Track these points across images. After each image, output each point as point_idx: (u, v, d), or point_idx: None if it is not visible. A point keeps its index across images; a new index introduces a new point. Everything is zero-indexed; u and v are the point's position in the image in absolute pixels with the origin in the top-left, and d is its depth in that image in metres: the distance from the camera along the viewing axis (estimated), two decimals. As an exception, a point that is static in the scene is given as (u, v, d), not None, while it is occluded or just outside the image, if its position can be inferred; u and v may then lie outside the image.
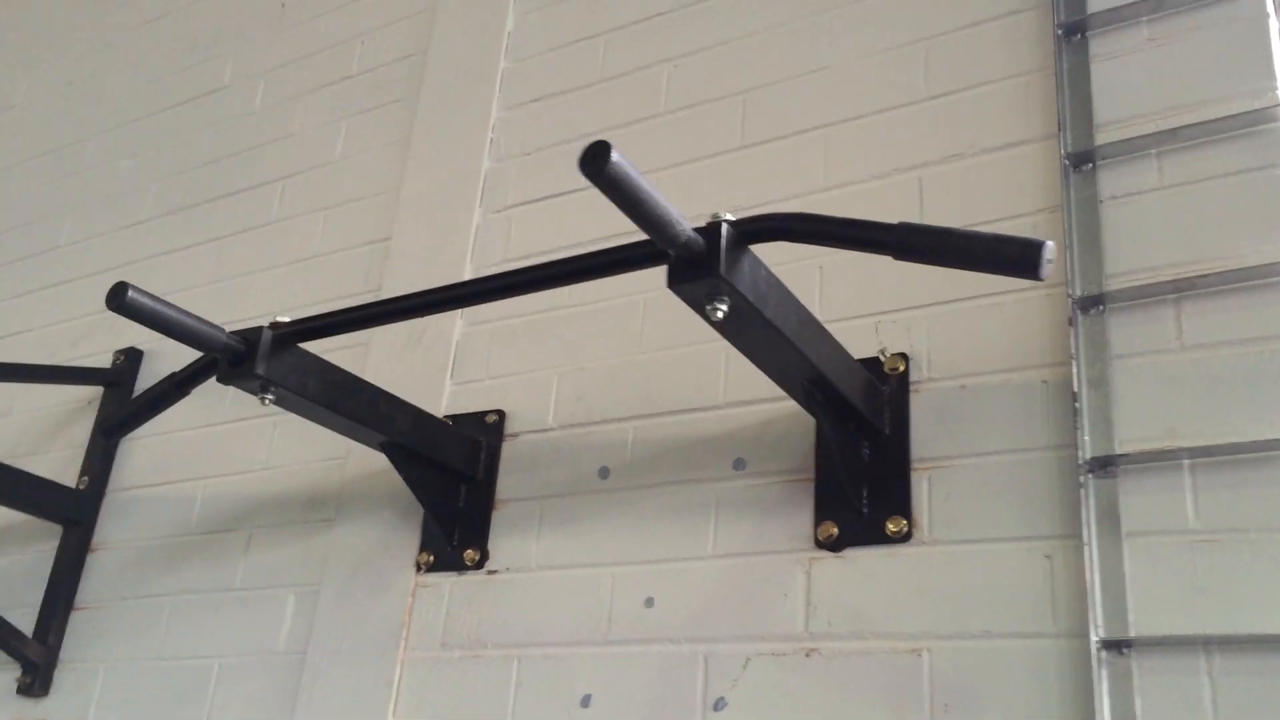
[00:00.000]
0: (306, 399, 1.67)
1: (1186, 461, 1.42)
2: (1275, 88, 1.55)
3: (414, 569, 1.98)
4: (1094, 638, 1.37)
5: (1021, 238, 1.14)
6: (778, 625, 1.61)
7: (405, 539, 2.02)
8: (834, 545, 1.61)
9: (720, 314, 1.30)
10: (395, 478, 2.07)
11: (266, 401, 1.65)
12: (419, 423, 1.89)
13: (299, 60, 2.87)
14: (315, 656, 2.00)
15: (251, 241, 2.65)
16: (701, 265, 1.25)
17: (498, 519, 1.95)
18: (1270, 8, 1.60)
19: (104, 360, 2.66)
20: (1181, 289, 1.50)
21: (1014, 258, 1.12)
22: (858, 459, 1.61)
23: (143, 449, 2.52)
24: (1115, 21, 1.70)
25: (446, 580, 1.95)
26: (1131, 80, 1.66)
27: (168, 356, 2.62)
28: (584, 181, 2.13)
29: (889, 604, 1.55)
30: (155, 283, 2.75)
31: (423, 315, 1.75)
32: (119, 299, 1.43)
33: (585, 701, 1.71)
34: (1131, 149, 1.61)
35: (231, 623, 2.16)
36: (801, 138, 1.95)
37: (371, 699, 1.90)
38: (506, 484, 1.97)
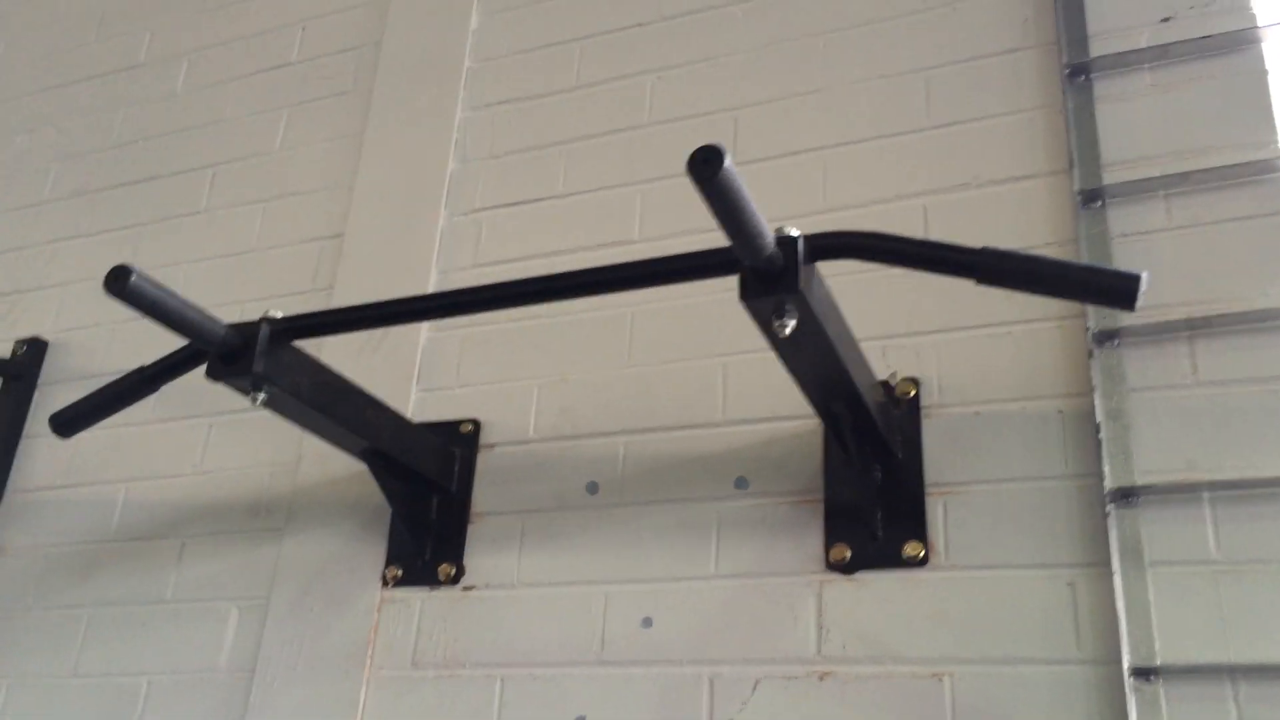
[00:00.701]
0: (300, 400, 1.56)
1: (1206, 494, 1.47)
2: (1276, 140, 1.63)
3: (379, 583, 1.87)
4: (1126, 665, 1.39)
5: (1114, 269, 1.15)
6: (788, 648, 1.59)
7: (368, 551, 1.91)
8: (846, 568, 1.60)
9: (787, 330, 1.27)
10: (352, 487, 1.97)
11: (257, 401, 1.53)
12: (399, 430, 1.79)
13: (228, 43, 2.71)
14: (266, 675, 1.86)
15: (176, 231, 2.48)
16: (778, 280, 1.22)
17: (474, 533, 1.86)
18: (1269, 63, 1.68)
19: (2, 350, 2.45)
20: (1195, 327, 1.55)
21: (1109, 287, 1.13)
22: (872, 482, 1.60)
23: (48, 447, 2.32)
24: (1119, 66, 1.76)
25: (417, 595, 1.85)
26: (1137, 123, 1.72)
27: (75, 349, 2.44)
28: (559, 188, 2.10)
29: (907, 628, 1.54)
30: (55, 270, 2.56)
31: (451, 315, 1.67)
32: (121, 283, 1.30)
33: (579, 724, 1.65)
34: (1140, 189, 1.66)
35: (163, 638, 2.00)
36: (798, 159, 1.94)
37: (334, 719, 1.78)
38: (483, 497, 1.89)
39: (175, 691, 1.94)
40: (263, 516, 2.04)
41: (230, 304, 2.30)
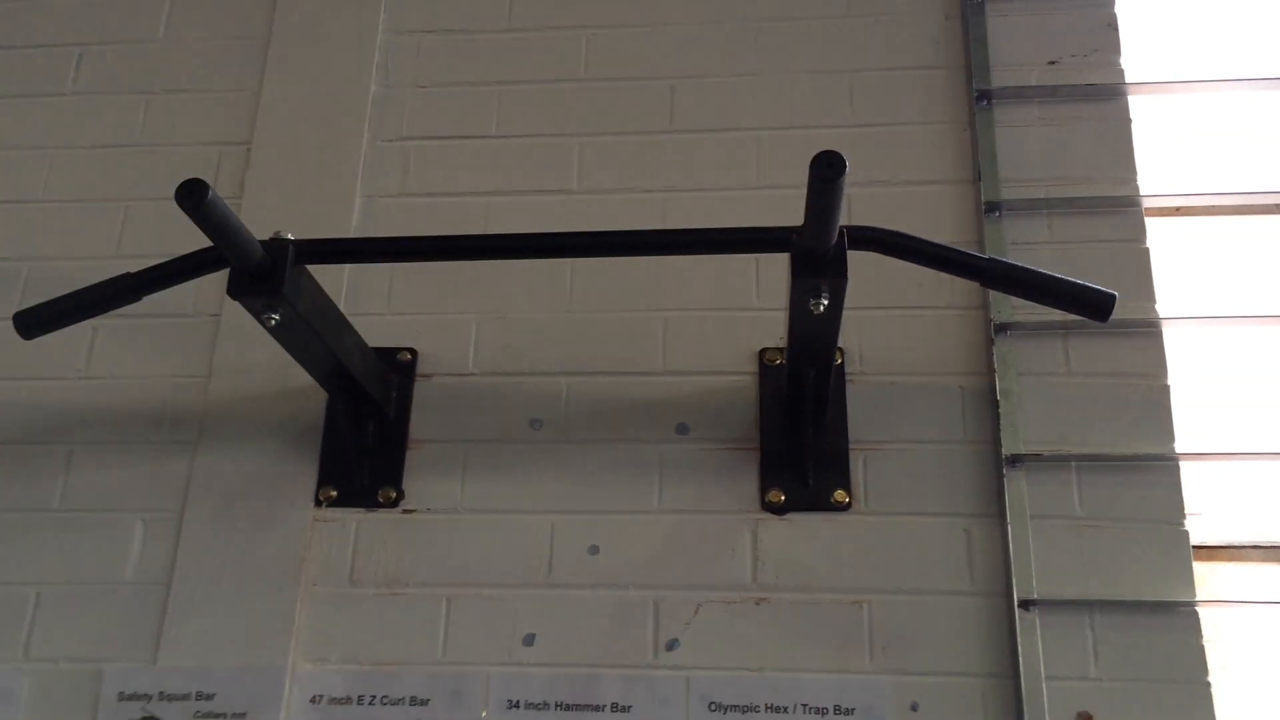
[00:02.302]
0: (307, 324, 1.57)
1: (1074, 464, 1.82)
2: (1135, 178, 2.00)
3: (312, 503, 1.90)
4: (1015, 598, 1.72)
5: (1096, 288, 1.44)
6: (727, 576, 1.81)
7: (296, 471, 1.93)
8: (779, 509, 1.84)
9: (822, 307, 1.46)
10: (274, 405, 1.99)
11: (271, 323, 1.53)
12: (364, 355, 1.82)
13: (86, -93, 2.49)
14: (185, 588, 1.85)
15: (34, 110, 2.30)
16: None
17: (412, 459, 1.93)
18: (1131, 114, 2.05)
19: None
20: (1069, 328, 1.90)
21: (1093, 301, 1.42)
22: (806, 437, 1.84)
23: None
24: (1015, 98, 2.07)
25: (353, 516, 1.90)
26: (1027, 149, 2.04)
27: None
28: (492, 129, 2.18)
29: (832, 562, 1.80)
30: None
31: (495, 258, 1.74)
32: (196, 199, 1.29)
33: (529, 640, 1.79)
34: (1029, 206, 1.99)
35: (52, 547, 1.92)
36: (733, 134, 2.12)
37: (266, 633, 1.81)
38: (421, 424, 1.95)
39: (70, 601, 1.88)
40: (169, 428, 1.99)
41: (112, 200, 2.20)
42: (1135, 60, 2.11)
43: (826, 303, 1.46)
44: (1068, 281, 1.43)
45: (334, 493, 1.90)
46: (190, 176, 2.14)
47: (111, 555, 1.91)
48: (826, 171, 1.25)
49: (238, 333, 2.01)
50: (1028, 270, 1.45)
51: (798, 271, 1.42)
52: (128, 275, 1.55)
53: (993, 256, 1.48)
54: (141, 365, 2.04)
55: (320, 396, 1.95)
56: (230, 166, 2.20)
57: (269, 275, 1.47)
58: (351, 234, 2.09)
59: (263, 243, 1.49)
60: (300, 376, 1.91)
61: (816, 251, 1.40)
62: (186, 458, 1.96)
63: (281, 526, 1.89)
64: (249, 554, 1.87)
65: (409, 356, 1.99)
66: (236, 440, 1.95)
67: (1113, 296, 1.42)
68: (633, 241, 1.62)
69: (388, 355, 1.98)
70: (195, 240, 2.07)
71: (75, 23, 2.37)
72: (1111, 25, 2.13)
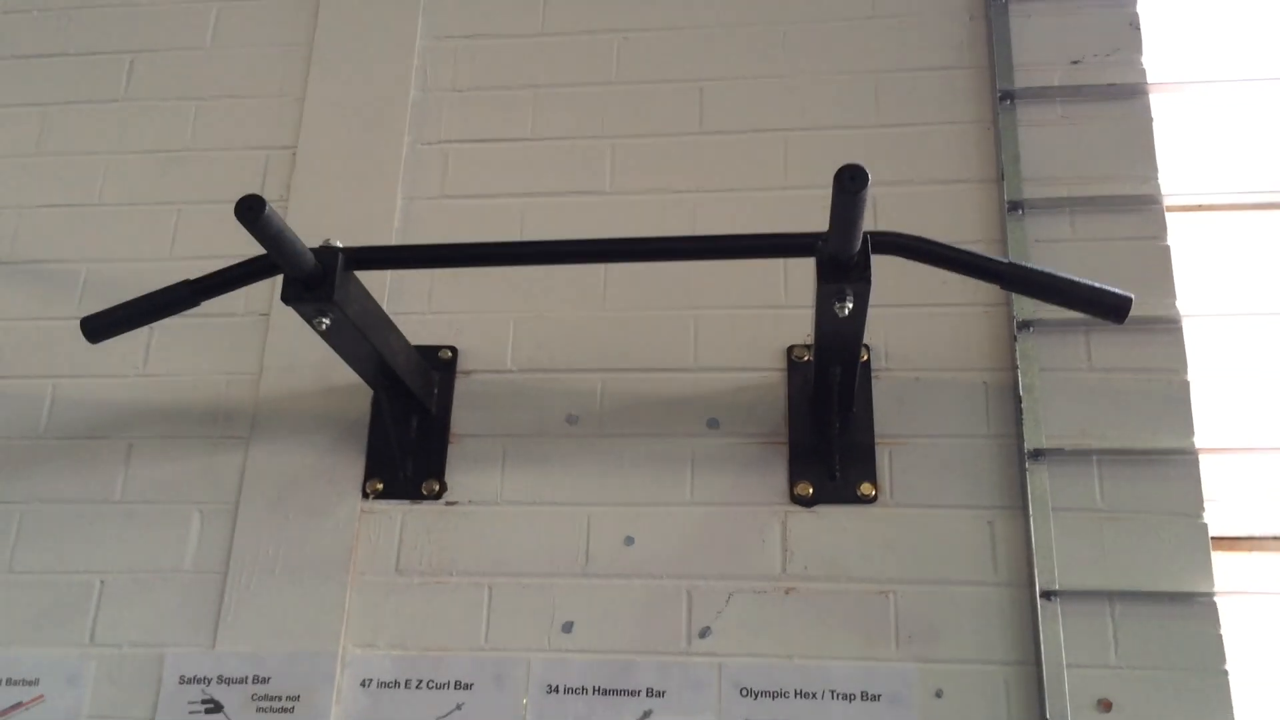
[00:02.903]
0: (355, 327, 1.65)
1: (1095, 457, 1.87)
2: (1156, 176, 2.04)
3: (359, 495, 1.99)
4: (1037, 588, 1.78)
5: (1113, 290, 1.49)
6: (758, 567, 1.88)
7: (344, 464, 2.01)
8: (808, 502, 1.90)
9: (846, 310, 1.53)
10: (320, 401, 2.07)
11: (323, 327, 1.61)
12: (409, 354, 1.90)
13: (135, -82, 2.58)
14: (241, 575, 1.95)
15: (89, 117, 2.39)
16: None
17: (454, 453, 2.01)
18: (1153, 113, 2.09)
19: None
20: (1090, 324, 1.94)
21: (1110, 304, 1.47)
22: (833, 431, 1.90)
23: (-52, 335, 2.22)
24: (1038, 97, 2.11)
25: (398, 508, 1.98)
26: (1050, 147, 2.08)
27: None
28: (528, 131, 2.24)
29: (859, 553, 1.87)
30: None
31: (534, 264, 1.83)
32: (253, 214, 1.37)
33: (567, 627, 1.87)
34: (1052, 205, 2.03)
35: (114, 537, 2.02)
36: (761, 136, 2.18)
37: (318, 619, 1.90)
38: (461, 419, 2.04)
39: (135, 589, 1.98)
40: (223, 424, 2.08)
41: (166, 204, 2.29)
42: (1157, 59, 2.14)
43: (851, 306, 1.52)
44: (1085, 285, 1.49)
45: (380, 485, 1.99)
46: (238, 180, 2.25)
47: (171, 545, 2.00)
48: (850, 184, 1.31)
49: (286, 332, 2.10)
50: (1046, 274, 1.51)
51: (823, 276, 1.48)
52: (187, 282, 1.64)
53: (1012, 261, 1.53)
54: (196, 363, 2.14)
55: (365, 393, 2.04)
56: (277, 170, 2.28)
57: (320, 282, 1.55)
58: (394, 235, 2.17)
59: (313, 250, 1.56)
60: (346, 374, 2.00)
61: (841, 258, 1.46)
62: (240, 452, 2.05)
63: (331, 518, 1.97)
64: (301, 544, 1.96)
65: (450, 354, 2.06)
66: (287, 435, 2.04)
67: (1129, 299, 1.48)
68: (665, 248, 1.69)
69: (429, 353, 2.06)
70: (245, 241, 2.15)
71: (126, 31, 2.46)
72: (1134, 24, 2.16)
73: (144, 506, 2.04)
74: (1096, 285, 1.48)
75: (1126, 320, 1.84)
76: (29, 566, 2.02)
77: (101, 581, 1.99)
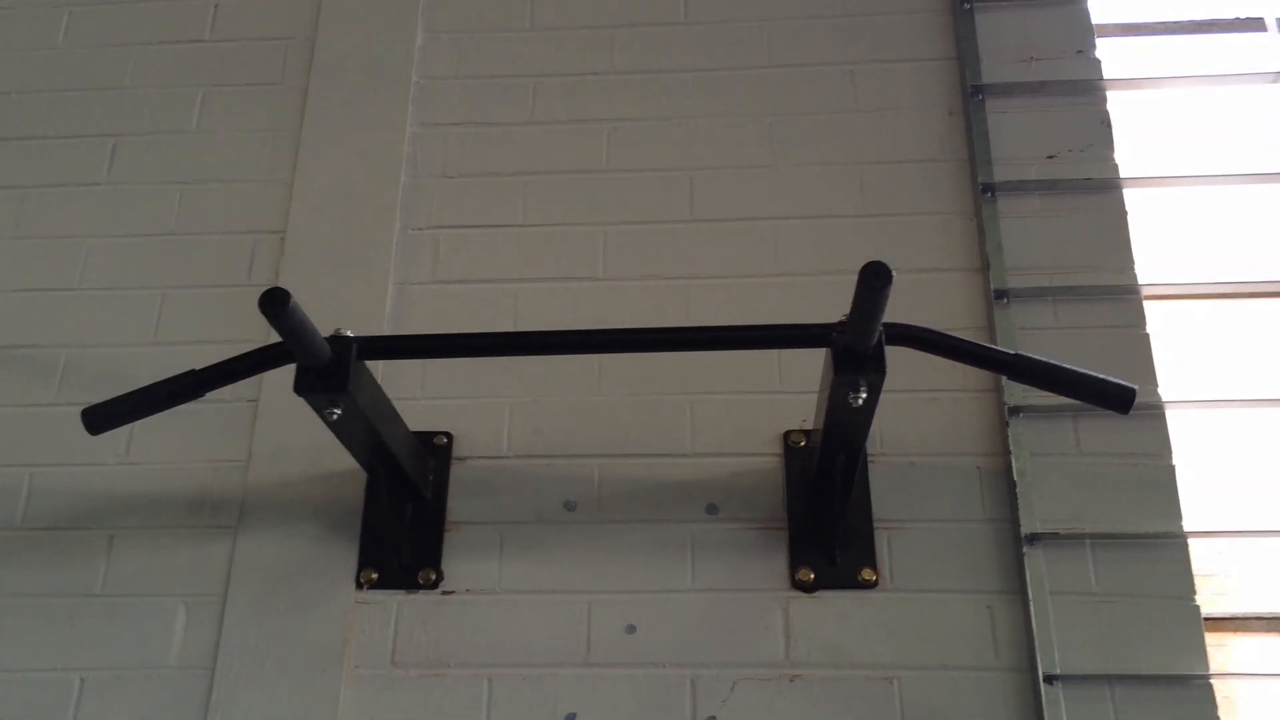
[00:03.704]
0: (364, 416, 1.64)
1: (1088, 541, 1.91)
2: (1132, 267, 2.12)
3: (353, 585, 1.95)
4: (1040, 673, 1.80)
5: (1116, 382, 1.54)
6: (761, 654, 1.87)
7: (336, 554, 1.98)
8: (809, 588, 1.91)
9: (860, 401, 1.55)
10: (311, 488, 2.04)
11: (334, 417, 1.60)
12: (407, 440, 1.89)
13: (117, 3, 2.58)
14: (230, 672, 1.89)
15: (70, 200, 2.36)
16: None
17: (450, 541, 1.99)
18: (1127, 206, 2.17)
19: None
20: (1078, 410, 1.99)
21: (1114, 394, 1.52)
22: (833, 517, 1.91)
23: (-80, 423, 2.15)
24: (1018, 190, 2.19)
25: (393, 599, 1.95)
26: (1031, 238, 2.15)
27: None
28: (519, 218, 2.26)
29: (862, 639, 1.87)
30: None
31: (576, 354, 1.87)
32: (278, 307, 1.36)
33: (570, 719, 1.84)
34: (1034, 294, 2.09)
35: (95, 632, 1.95)
36: (751, 224, 2.22)
37: (310, 716, 1.85)
38: (457, 507, 2.02)
39: (118, 688, 1.91)
40: (209, 513, 2.04)
41: (148, 289, 2.26)
42: (1128, 155, 2.24)
43: (865, 396, 1.54)
44: (1089, 376, 1.53)
45: (375, 575, 1.95)
46: (225, 265, 2.23)
47: (155, 640, 1.94)
48: (875, 280, 1.34)
49: (275, 418, 2.07)
50: (1051, 365, 1.55)
51: (839, 367, 1.51)
52: (192, 372, 1.61)
53: (1019, 353, 1.58)
54: (180, 450, 2.09)
55: (357, 479, 2.01)
56: (265, 254, 2.27)
57: (334, 373, 1.54)
58: (385, 320, 2.16)
59: (328, 339, 1.55)
60: (338, 460, 1.98)
61: (857, 349, 1.49)
62: (228, 541, 2.01)
63: (323, 609, 1.93)
64: (292, 637, 1.91)
65: (445, 440, 2.05)
66: (277, 524, 2.00)
67: (1133, 390, 1.52)
68: (678, 338, 1.71)
69: (424, 438, 2.04)
70: (231, 327, 2.16)
71: (108, 114, 2.45)
72: (1105, 122, 2.25)
73: (126, 600, 1.98)
74: (1100, 376, 1.53)
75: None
76: (4, 664, 1.94)
77: (82, 679, 1.92)
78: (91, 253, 2.30)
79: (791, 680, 1.85)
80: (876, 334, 1.45)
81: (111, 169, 2.39)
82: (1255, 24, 2.40)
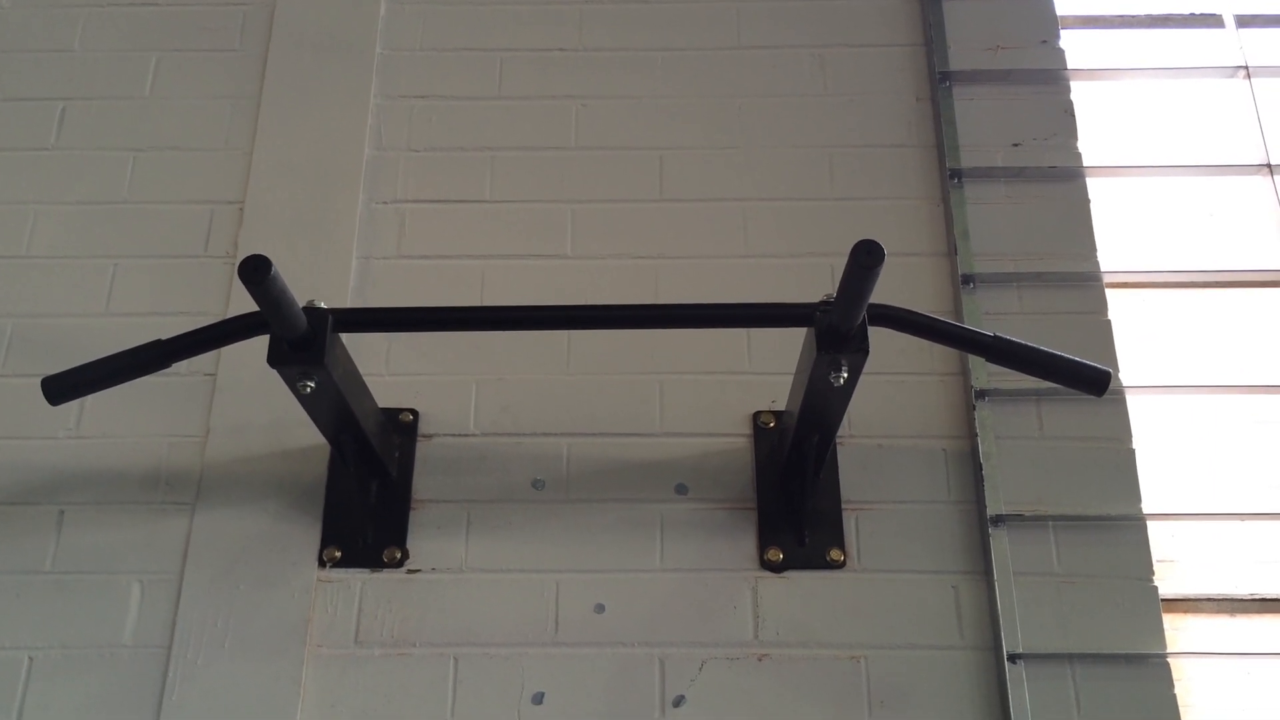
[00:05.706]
0: (337, 390, 1.60)
1: (1050, 523, 1.94)
2: (1095, 254, 2.15)
3: (316, 564, 1.91)
4: (1005, 652, 1.83)
5: (1092, 365, 1.56)
6: (730, 633, 1.87)
7: (298, 532, 1.94)
8: (778, 568, 1.91)
9: (841, 380, 1.55)
10: (272, 465, 2.00)
11: (306, 390, 1.56)
12: (376, 416, 1.85)
13: (64, -38, 2.49)
14: (188, 651, 1.84)
15: (21, 165, 2.28)
16: (842, 340, 1.51)
17: (416, 519, 1.96)
18: (1089, 194, 2.20)
19: None
20: (1040, 394, 2.02)
21: (1090, 377, 1.54)
22: (801, 497, 1.92)
23: None
24: (984, 177, 2.21)
25: (357, 577, 1.92)
26: (996, 224, 2.18)
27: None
28: (486, 193, 2.24)
29: (829, 619, 1.88)
30: None
31: (560, 329, 1.85)
32: (259, 275, 1.32)
33: (538, 699, 1.83)
34: (1000, 280, 2.12)
35: (45, 610, 1.89)
36: (721, 205, 2.22)
37: (272, 697, 1.81)
38: (423, 484, 1.99)
39: (68, 666, 1.85)
40: (164, 489, 1.98)
41: (100, 258, 2.20)
42: (1092, 144, 2.27)
43: (845, 376, 1.55)
44: (1065, 359, 1.55)
45: (338, 553, 1.92)
46: (180, 235, 2.17)
47: (108, 618, 1.89)
48: (866, 259, 1.34)
49: (235, 391, 2.03)
50: (1029, 347, 1.57)
51: (822, 346, 1.51)
52: (159, 342, 1.56)
53: (998, 335, 1.59)
54: (135, 425, 2.03)
55: (320, 456, 1.97)
56: (223, 225, 2.21)
57: (309, 345, 1.50)
58: (349, 294, 2.12)
59: (304, 311, 1.51)
60: (300, 436, 1.94)
61: (841, 329, 1.49)
62: (185, 518, 1.95)
63: (285, 587, 1.89)
64: (252, 616, 1.87)
65: (410, 417, 2.02)
66: (236, 500, 1.96)
67: (1108, 373, 1.55)
68: (658, 314, 1.70)
69: (390, 415, 2.01)
70: (187, 298, 2.10)
71: (56, 78, 2.36)
72: (1069, 111, 2.29)
73: (77, 577, 1.92)
74: (1077, 360, 1.55)
75: (1072, 391, 1.93)
76: (-53, 643, 1.87)
77: (30, 658, 1.86)
78: (40, 219, 2.22)
79: (760, 659, 1.85)
80: (862, 313, 1.45)
81: (60, 134, 2.31)
82: (1213, 20, 2.45)
